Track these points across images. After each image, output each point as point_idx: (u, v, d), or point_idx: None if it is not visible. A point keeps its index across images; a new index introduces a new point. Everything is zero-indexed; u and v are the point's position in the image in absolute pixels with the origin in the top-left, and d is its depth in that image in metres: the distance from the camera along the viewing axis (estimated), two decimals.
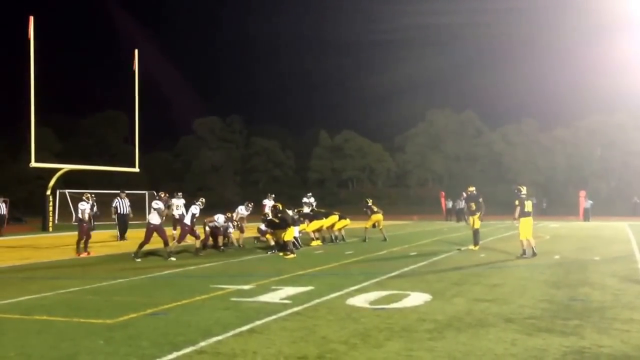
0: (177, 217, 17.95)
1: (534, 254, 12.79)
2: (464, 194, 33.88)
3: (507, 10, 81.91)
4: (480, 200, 15.30)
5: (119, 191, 20.62)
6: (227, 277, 10.47)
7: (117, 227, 20.04)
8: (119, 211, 19.69)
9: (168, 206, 14.61)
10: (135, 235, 21.94)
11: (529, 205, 12.88)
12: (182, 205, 18.28)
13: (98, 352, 5.31)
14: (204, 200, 15.60)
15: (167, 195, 17.12)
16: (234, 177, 73.58)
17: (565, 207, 44.85)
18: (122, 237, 19.69)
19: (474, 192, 15.57)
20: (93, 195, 16.36)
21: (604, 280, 9.48)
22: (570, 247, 15.79)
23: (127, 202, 20.12)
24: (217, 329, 6.11)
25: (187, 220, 14.67)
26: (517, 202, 12.99)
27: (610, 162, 57.91)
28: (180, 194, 19.15)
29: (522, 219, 12.85)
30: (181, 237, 14.84)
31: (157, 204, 13.77)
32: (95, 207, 18.52)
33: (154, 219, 13.63)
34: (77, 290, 8.97)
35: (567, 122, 60.12)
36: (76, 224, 16.36)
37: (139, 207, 42.55)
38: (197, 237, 14.81)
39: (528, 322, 6.34)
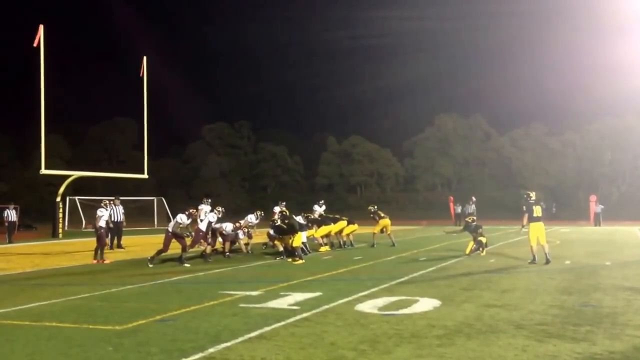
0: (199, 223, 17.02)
1: (547, 261, 12.38)
2: (473, 198, 33.88)
3: (516, 13, 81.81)
4: (480, 231, 15.11)
5: (113, 197, 19.43)
6: (235, 283, 10.47)
7: (109, 235, 18.24)
8: (112, 219, 18.47)
9: (193, 220, 14.42)
10: (133, 242, 22.07)
11: (537, 211, 12.67)
12: (209, 211, 16.19)
13: (107, 358, 5.32)
14: (221, 209, 15.64)
15: (197, 210, 15.15)
16: (242, 183, 73.77)
17: (576, 211, 44.56)
18: (118, 245, 19.27)
19: (472, 221, 15.42)
20: (112, 202, 16.06)
21: (615, 286, 9.39)
22: (581, 252, 15.66)
23: (120, 209, 19.63)
24: (226, 335, 6.11)
25: (203, 226, 14.72)
26: (524, 208, 12.88)
27: (621, 166, 57.51)
28: (209, 200, 17.57)
29: (531, 224, 12.72)
30: (194, 243, 14.86)
31: (181, 219, 13.86)
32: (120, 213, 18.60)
33: (174, 227, 13.80)
34: (87, 296, 9.00)
35: (576, 125, 59.83)
36: (86, 230, 16.40)
37: (147, 214, 42.89)
38: (209, 244, 14.94)
39: (539, 328, 6.29)
